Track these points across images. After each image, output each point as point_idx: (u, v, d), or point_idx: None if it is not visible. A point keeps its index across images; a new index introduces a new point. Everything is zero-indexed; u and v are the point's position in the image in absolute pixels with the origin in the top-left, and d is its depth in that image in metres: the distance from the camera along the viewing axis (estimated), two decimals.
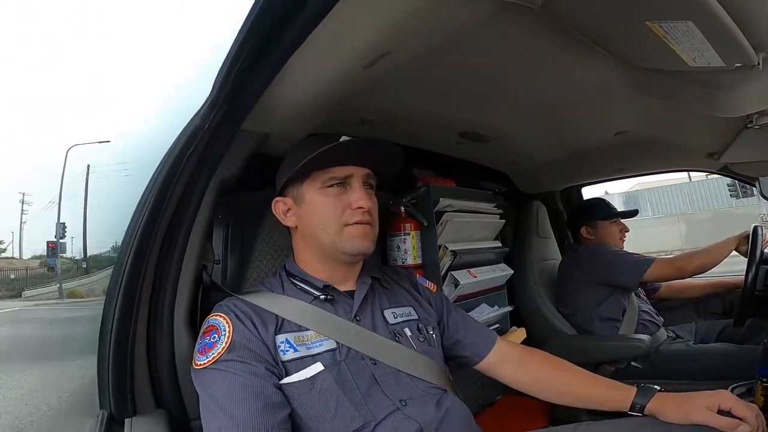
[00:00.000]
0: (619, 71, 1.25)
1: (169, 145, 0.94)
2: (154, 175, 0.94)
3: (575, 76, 1.29)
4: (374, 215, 1.04)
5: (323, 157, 0.96)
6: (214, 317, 0.94)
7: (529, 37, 1.08)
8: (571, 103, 1.50)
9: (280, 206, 1.07)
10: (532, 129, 1.74)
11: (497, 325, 2.09)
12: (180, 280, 1.02)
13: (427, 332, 1.10)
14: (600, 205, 2.37)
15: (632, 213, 2.48)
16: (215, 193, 1.05)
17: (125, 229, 0.95)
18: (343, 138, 1.00)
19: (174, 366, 1.00)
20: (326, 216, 1.00)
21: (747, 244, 1.90)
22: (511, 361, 1.16)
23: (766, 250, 1.93)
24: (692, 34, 0.91)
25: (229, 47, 0.81)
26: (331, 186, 1.01)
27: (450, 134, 1.74)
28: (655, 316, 2.21)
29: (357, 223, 1.00)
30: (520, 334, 2.06)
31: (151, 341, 1.00)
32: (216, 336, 0.90)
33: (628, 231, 2.35)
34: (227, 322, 0.91)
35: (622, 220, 2.36)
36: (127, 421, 0.93)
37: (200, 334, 0.93)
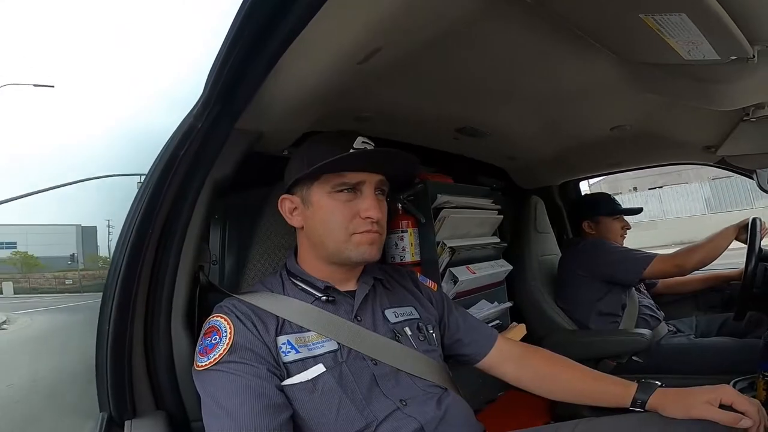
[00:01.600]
0: (615, 65, 1.24)
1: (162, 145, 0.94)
2: (147, 176, 0.93)
3: (570, 70, 1.28)
4: (383, 223, 1.02)
5: (337, 161, 0.94)
6: (215, 318, 0.93)
7: (523, 32, 1.07)
8: (567, 98, 1.49)
9: (286, 204, 1.05)
10: (528, 124, 1.73)
11: (497, 321, 2.08)
12: (176, 281, 1.02)
13: (428, 331, 1.10)
14: (604, 200, 2.36)
15: (637, 210, 2.47)
16: (210, 193, 1.04)
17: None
18: (359, 139, 0.98)
19: (173, 367, 1.00)
20: (334, 222, 0.98)
21: (746, 233, 1.89)
22: (511, 359, 1.16)
23: (765, 240, 1.92)
24: (686, 26, 0.91)
25: (220, 44, 0.80)
26: (342, 191, 0.98)
27: (446, 130, 1.73)
28: (656, 310, 2.20)
29: (366, 232, 0.98)
30: (520, 330, 2.05)
31: (149, 343, 0.99)
32: (217, 337, 0.89)
33: (630, 228, 2.34)
34: (228, 323, 0.91)
35: (624, 217, 2.35)
36: (126, 423, 0.93)
37: (201, 335, 0.93)
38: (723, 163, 2.22)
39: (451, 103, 1.47)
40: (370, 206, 0.97)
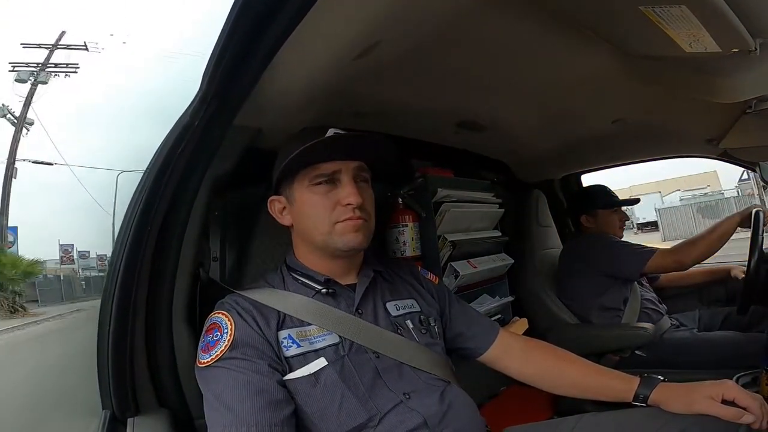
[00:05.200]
0: (616, 58, 1.24)
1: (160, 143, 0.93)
2: (144, 173, 0.93)
3: (571, 63, 1.28)
4: (368, 209, 1.02)
5: (307, 154, 0.94)
6: (216, 315, 0.94)
7: (523, 24, 1.06)
8: (569, 91, 1.48)
9: (275, 205, 1.07)
10: (529, 117, 1.73)
11: (499, 316, 2.09)
12: (177, 278, 1.02)
13: (429, 324, 1.10)
14: (601, 193, 2.32)
15: (634, 201, 2.45)
16: (209, 189, 1.05)
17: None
18: (331, 131, 0.98)
19: (175, 364, 1.00)
20: (316, 215, 0.99)
21: (749, 222, 1.87)
22: (514, 352, 1.16)
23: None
24: (687, 18, 0.90)
25: (216, 40, 0.80)
26: (320, 183, 0.98)
27: (447, 124, 1.73)
28: (658, 304, 2.19)
29: (348, 219, 0.98)
30: (522, 324, 2.05)
31: (150, 340, 1.00)
32: (218, 334, 0.90)
33: (628, 219, 2.32)
34: (229, 320, 0.91)
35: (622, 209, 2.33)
36: (129, 420, 0.93)
37: (203, 332, 0.93)
38: (725, 156, 2.21)
39: (451, 97, 1.46)
40: (348, 193, 0.97)
